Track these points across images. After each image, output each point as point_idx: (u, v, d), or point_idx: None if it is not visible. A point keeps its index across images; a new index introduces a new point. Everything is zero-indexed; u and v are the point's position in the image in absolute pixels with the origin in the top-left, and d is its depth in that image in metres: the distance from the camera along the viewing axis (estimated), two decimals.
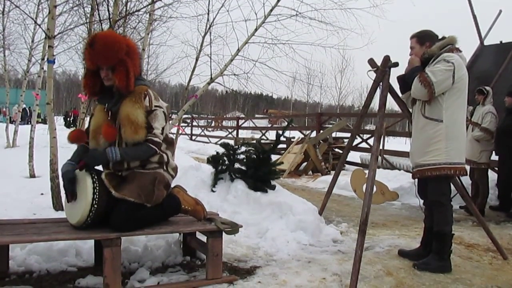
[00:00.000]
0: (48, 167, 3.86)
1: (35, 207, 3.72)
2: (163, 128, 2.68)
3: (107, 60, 2.54)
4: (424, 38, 3.31)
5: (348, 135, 9.78)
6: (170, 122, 5.13)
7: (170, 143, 2.84)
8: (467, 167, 3.28)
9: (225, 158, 4.37)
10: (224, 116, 36.47)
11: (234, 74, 5.28)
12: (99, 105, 2.77)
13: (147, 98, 2.62)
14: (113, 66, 2.56)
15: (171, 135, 2.99)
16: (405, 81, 3.38)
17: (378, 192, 4.23)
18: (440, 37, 3.33)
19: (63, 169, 2.61)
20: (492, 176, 6.17)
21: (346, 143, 8.96)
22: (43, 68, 6.69)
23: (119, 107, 2.61)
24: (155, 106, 2.65)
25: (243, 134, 18.63)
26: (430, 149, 3.16)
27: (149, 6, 5.46)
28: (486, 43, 9.14)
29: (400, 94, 3.53)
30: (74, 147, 2.87)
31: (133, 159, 2.62)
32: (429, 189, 3.28)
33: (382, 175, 6.96)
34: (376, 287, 2.80)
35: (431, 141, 3.16)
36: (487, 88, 5.74)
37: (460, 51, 3.25)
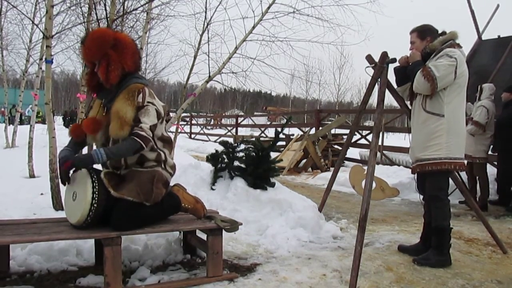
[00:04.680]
0: (47, 167, 3.86)
1: (35, 207, 3.72)
2: (154, 125, 2.60)
3: (93, 55, 2.54)
4: (425, 33, 3.30)
5: (347, 131, 9.78)
6: (170, 121, 5.13)
7: (168, 141, 2.82)
8: (465, 162, 3.30)
9: (224, 156, 4.37)
10: (223, 114, 36.41)
11: (233, 72, 5.28)
12: (98, 100, 2.77)
13: (141, 95, 2.57)
14: (100, 60, 2.54)
15: (168, 133, 2.98)
16: (403, 74, 3.37)
17: (378, 188, 4.24)
18: (440, 32, 3.33)
19: (60, 154, 2.59)
20: (492, 170, 6.18)
21: (345, 140, 8.96)
22: (41, 68, 6.68)
23: (113, 104, 2.60)
24: (148, 102, 2.58)
25: (242, 131, 18.61)
26: (431, 143, 3.16)
27: (146, 5, 5.45)
28: (484, 37, 9.13)
29: (396, 87, 3.53)
30: None
31: (118, 156, 2.56)
32: (427, 184, 3.29)
33: (381, 171, 6.99)
34: (376, 283, 2.81)
35: (432, 136, 3.16)
36: (484, 85, 5.77)
37: (461, 47, 3.24)
